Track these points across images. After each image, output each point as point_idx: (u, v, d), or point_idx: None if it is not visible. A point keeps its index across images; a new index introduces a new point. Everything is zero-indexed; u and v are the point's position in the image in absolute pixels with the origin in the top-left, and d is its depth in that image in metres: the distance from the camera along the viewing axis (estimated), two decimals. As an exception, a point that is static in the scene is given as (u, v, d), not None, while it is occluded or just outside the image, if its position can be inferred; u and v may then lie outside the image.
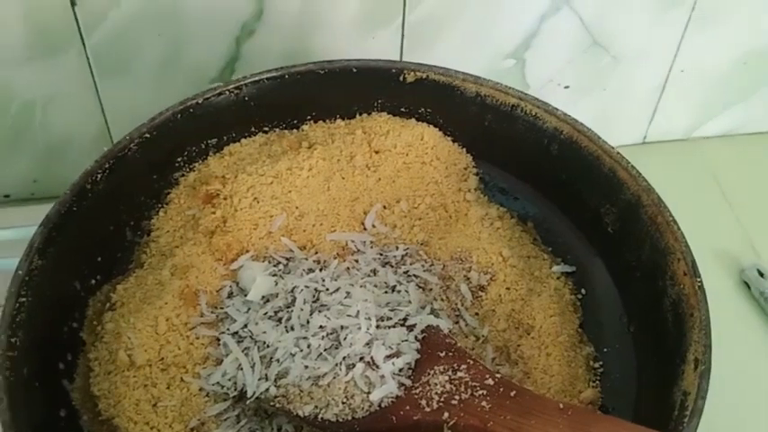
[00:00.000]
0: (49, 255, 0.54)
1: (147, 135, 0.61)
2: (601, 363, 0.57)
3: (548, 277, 0.61)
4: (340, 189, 0.63)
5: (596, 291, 0.60)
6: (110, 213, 0.60)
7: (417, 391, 0.50)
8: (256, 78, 0.64)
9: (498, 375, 0.49)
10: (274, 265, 0.60)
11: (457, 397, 0.48)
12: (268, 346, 0.54)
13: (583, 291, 0.61)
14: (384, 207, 0.64)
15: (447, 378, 0.50)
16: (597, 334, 0.59)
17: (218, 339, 0.56)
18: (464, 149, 0.66)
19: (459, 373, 0.50)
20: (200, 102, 0.62)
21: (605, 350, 0.58)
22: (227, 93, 0.63)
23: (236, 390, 0.54)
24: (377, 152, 0.64)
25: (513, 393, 0.47)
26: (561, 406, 0.45)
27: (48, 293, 0.54)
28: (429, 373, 0.50)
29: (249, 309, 0.57)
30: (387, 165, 0.64)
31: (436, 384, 0.50)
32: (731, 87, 0.84)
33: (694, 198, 0.79)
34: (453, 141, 0.66)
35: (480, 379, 0.49)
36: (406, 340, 0.54)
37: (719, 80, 0.83)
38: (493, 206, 0.65)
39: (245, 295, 0.58)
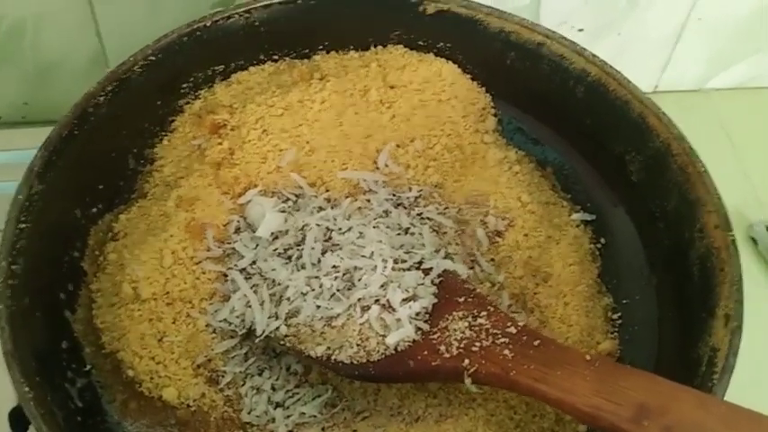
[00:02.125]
0: (49, 179, 0.52)
1: (152, 57, 0.57)
2: (620, 314, 0.56)
3: (567, 225, 0.59)
4: (352, 125, 0.60)
5: (617, 240, 0.59)
6: (112, 139, 0.58)
7: (436, 336, 0.48)
8: (267, 2, 0.61)
9: (521, 323, 0.47)
10: (283, 201, 0.57)
11: (477, 344, 0.47)
12: (278, 284, 0.53)
13: (602, 240, 0.59)
14: (398, 146, 0.61)
15: (467, 324, 0.48)
16: (616, 285, 0.57)
17: (226, 275, 0.54)
18: (483, 88, 0.63)
19: (480, 320, 0.48)
20: (207, 25, 0.59)
21: (624, 301, 0.57)
22: (237, 16, 0.60)
23: (244, 327, 0.52)
24: (392, 87, 0.61)
25: (536, 343, 0.46)
26: (588, 357, 0.44)
27: (48, 220, 0.52)
28: (447, 319, 0.49)
29: (257, 245, 0.55)
30: (402, 101, 0.61)
31: (455, 330, 0.48)
32: (748, 38, 0.82)
33: (703, 151, 0.76)
34: (472, 79, 0.63)
35: (502, 327, 0.47)
36: (423, 284, 0.52)
37: (736, 30, 0.81)
38: (511, 149, 0.63)
39: (254, 231, 0.56)
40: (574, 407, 0.42)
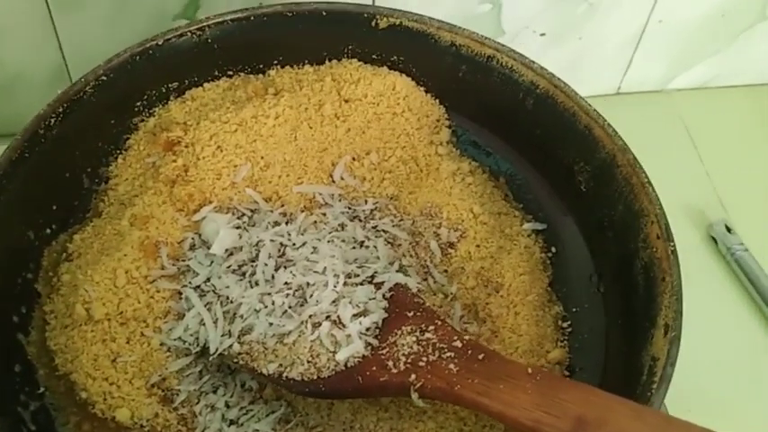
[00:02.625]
0: (1, 203, 0.52)
1: (104, 77, 0.58)
2: (569, 322, 0.57)
3: (518, 235, 0.60)
4: (307, 139, 0.61)
5: (567, 249, 0.60)
6: (65, 159, 0.58)
7: (384, 351, 0.49)
8: (220, 19, 0.61)
9: (467, 337, 0.48)
10: (238, 218, 0.58)
11: (424, 359, 0.47)
12: (231, 302, 0.53)
13: (553, 249, 0.60)
14: (353, 159, 0.62)
15: (415, 339, 0.49)
16: (567, 293, 0.58)
17: (180, 293, 0.55)
18: (437, 101, 0.64)
19: (428, 334, 0.49)
20: (159, 43, 0.59)
21: (574, 310, 0.57)
22: (189, 34, 0.60)
23: (198, 345, 0.53)
24: (346, 101, 0.62)
25: (481, 356, 0.46)
26: (530, 370, 0.45)
27: (1, 243, 0.52)
28: (396, 334, 0.49)
29: (212, 262, 0.56)
30: (357, 115, 0.62)
31: (403, 345, 0.49)
32: (708, 39, 0.83)
33: (666, 151, 0.79)
34: (426, 92, 0.64)
35: (448, 340, 0.48)
36: (374, 298, 0.52)
37: (696, 31, 0.82)
38: (465, 160, 0.63)
39: (208, 248, 0.56)
40: (516, 420, 0.43)
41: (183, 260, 0.56)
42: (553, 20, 0.78)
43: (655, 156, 0.77)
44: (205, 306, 0.53)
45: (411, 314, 0.50)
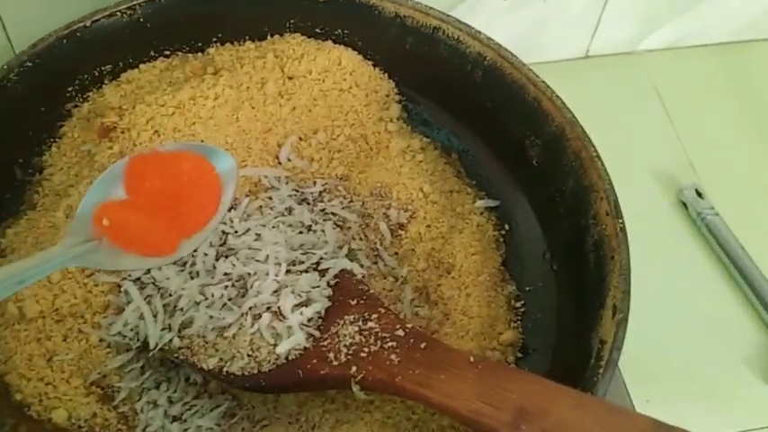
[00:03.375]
0: None
1: (29, 63, 0.55)
2: (523, 302, 0.55)
3: (470, 213, 0.58)
4: (250, 120, 0.58)
5: (520, 227, 0.58)
6: (-6, 151, 0.55)
7: (326, 343, 0.47)
8: (151, -4, 0.58)
9: (409, 325, 0.46)
10: (180, 205, 0.55)
11: (366, 349, 0.46)
12: (171, 294, 0.51)
13: (506, 227, 0.58)
14: (300, 139, 0.60)
15: (357, 329, 0.47)
16: (520, 272, 0.56)
17: (119, 286, 0.52)
18: (385, 75, 0.62)
19: (370, 323, 0.47)
20: (87, 25, 0.57)
21: (528, 289, 0.56)
22: (119, 14, 0.58)
23: (138, 340, 0.51)
24: (290, 78, 0.59)
25: (423, 345, 0.45)
26: (472, 359, 0.43)
27: (-76, 241, 0.50)
28: (339, 323, 0.48)
29: (153, 252, 0.53)
30: (302, 92, 0.59)
31: (345, 336, 0.47)
32: (677, -3, 0.80)
33: (636, 114, 0.77)
34: (374, 66, 0.62)
35: (391, 329, 0.46)
36: (318, 287, 0.51)
37: (665, -11, 0.79)
38: (416, 137, 0.61)
39: (149, 238, 0.54)
40: (456, 412, 0.42)
41: (122, 251, 0.54)
42: (516, -17, 0.75)
43: (625, 119, 0.75)
44: (145, 299, 0.51)
45: (355, 302, 0.49)
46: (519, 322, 0.54)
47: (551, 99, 0.54)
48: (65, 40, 0.56)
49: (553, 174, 0.55)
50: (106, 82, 0.60)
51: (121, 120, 0.56)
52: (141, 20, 0.58)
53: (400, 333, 0.46)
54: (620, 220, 0.48)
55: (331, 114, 0.60)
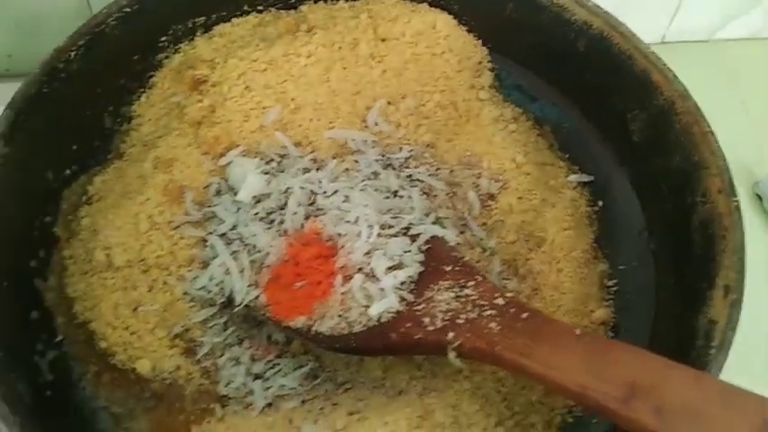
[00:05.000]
0: (18, 141, 0.49)
1: (128, 9, 0.55)
2: (615, 281, 0.53)
3: (563, 187, 0.56)
4: (341, 80, 0.57)
5: (615, 203, 0.56)
6: (86, 97, 0.55)
7: (420, 307, 0.46)
8: (250, -52, 0.57)
9: (509, 295, 0.45)
10: (266, 163, 0.55)
11: (463, 316, 0.44)
12: (259, 251, 0.50)
13: (600, 203, 0.56)
14: (388, 103, 0.58)
15: (453, 295, 0.46)
16: (613, 250, 0.55)
17: (205, 240, 0.52)
18: (480, 41, 0.60)
19: (467, 290, 0.46)
20: (184, -26, 0.56)
21: (621, 268, 0.54)
22: (216, -35, 0.57)
23: (223, 296, 0.50)
24: (383, 40, 0.58)
25: (525, 315, 0.43)
26: (578, 332, 0.41)
27: (17, 184, 0.50)
28: (433, 289, 0.46)
29: (239, 209, 0.53)
30: (393, 55, 0.58)
31: (441, 301, 0.46)
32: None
33: (710, 104, 0.73)
34: (468, 32, 0.60)
35: (489, 298, 0.45)
36: (409, 251, 0.49)
37: (748, -24, 0.76)
38: (508, 106, 0.60)
39: (235, 194, 0.53)
40: (560, 384, 0.40)
41: (208, 206, 0.53)
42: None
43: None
44: (231, 255, 0.51)
45: (449, 269, 0.47)
46: (611, 301, 0.53)
47: (662, 71, 0.52)
48: (162, -12, 0.55)
49: (657, 149, 0.53)
50: (198, 34, 0.59)
51: (213, 72, 0.56)
52: (237, -28, 0.57)
53: (500, 302, 0.44)
54: (735, 199, 0.46)
55: (421, 79, 0.59)
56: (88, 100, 0.55)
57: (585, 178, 0.57)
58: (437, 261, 0.48)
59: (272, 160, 0.55)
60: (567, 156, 0.59)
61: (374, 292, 0.47)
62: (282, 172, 0.54)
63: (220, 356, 0.50)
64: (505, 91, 0.60)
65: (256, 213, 0.52)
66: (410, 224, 0.51)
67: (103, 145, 0.56)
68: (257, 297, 0.49)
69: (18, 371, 0.44)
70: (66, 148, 0.54)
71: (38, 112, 0.51)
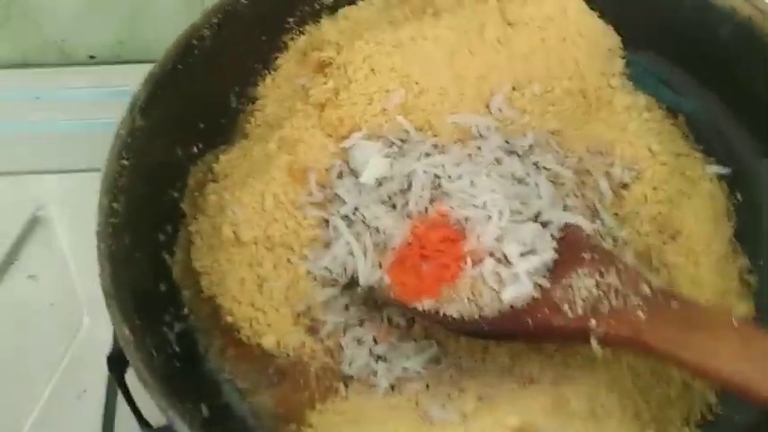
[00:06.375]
0: (152, 115, 0.50)
1: (257, -12, 0.54)
2: (757, 278, 0.50)
3: (700, 178, 0.54)
4: (466, 65, 0.56)
5: (758, 197, 0.53)
6: (215, 75, 0.55)
7: (558, 294, 0.44)
8: (379, -70, 0.57)
9: (657, 284, 0.43)
10: (389, 146, 0.54)
11: (606, 303, 0.42)
12: (382, 233, 0.49)
13: (738, 196, 0.53)
14: (513, 88, 0.57)
15: (593, 282, 0.44)
16: (753, 244, 0.52)
17: (327, 221, 0.51)
18: (611, 27, 0.58)
19: (609, 279, 0.43)
20: (313, -47, 0.56)
21: (761, 263, 0.51)
22: (344, -53, 0.56)
23: (345, 276, 0.49)
24: (510, 24, 0.56)
25: (674, 304, 0.41)
26: (736, 323, 0.39)
27: (149, 157, 0.50)
28: (571, 276, 0.44)
29: (361, 191, 0.52)
30: (521, 39, 0.56)
31: (580, 288, 0.44)
32: None
33: None
34: (600, 17, 0.57)
35: (634, 286, 0.42)
36: (541, 238, 0.47)
37: None
38: (640, 95, 0.57)
39: (357, 177, 0.52)
40: (718, 374, 0.38)
41: (331, 188, 0.52)
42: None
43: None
44: (354, 236, 0.50)
45: (588, 256, 0.45)
46: (751, 298, 0.50)
47: (818, 58, 0.48)
48: (290, -32, 0.55)
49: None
50: (324, 16, 0.59)
51: (338, 55, 0.55)
52: (366, -46, 0.57)
53: (646, 291, 0.42)
54: None
55: (549, 65, 0.57)
56: (217, 79, 0.56)
57: (723, 170, 0.54)
58: (574, 248, 0.46)
59: (393, 144, 0.54)
60: (701, 147, 0.56)
61: (507, 277, 0.45)
62: (404, 156, 0.53)
63: (343, 336, 0.49)
64: (637, 78, 0.58)
65: (379, 196, 0.51)
66: (540, 211, 0.49)
67: (229, 124, 0.57)
68: (381, 278, 0.48)
69: (151, 339, 0.44)
70: (195, 125, 0.55)
71: (171, 87, 0.51)
